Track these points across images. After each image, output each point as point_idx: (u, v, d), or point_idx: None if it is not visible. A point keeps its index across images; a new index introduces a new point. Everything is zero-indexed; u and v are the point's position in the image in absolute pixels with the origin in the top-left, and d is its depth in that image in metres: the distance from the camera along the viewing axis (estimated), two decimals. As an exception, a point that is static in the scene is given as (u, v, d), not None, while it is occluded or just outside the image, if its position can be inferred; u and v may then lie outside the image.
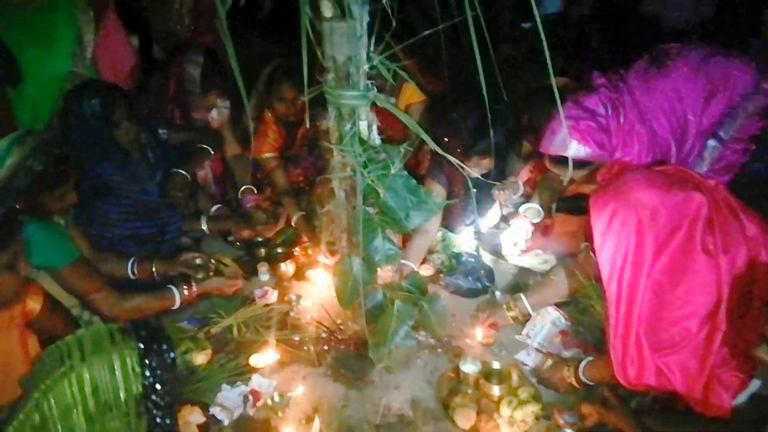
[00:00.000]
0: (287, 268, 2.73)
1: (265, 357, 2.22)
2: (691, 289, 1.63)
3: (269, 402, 2.02)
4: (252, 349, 2.26)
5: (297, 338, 2.33)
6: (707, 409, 1.63)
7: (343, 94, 1.58)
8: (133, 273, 2.29)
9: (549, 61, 1.21)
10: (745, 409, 1.63)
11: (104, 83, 2.43)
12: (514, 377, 2.09)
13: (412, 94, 3.04)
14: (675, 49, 2.20)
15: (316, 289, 2.66)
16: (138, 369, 1.28)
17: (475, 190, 2.50)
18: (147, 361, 1.29)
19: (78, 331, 1.34)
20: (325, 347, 2.30)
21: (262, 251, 2.90)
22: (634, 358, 1.69)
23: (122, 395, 1.26)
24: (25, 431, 1.23)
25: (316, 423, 1.93)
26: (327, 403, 2.05)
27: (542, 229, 2.68)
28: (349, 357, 2.25)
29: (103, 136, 2.26)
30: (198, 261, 2.44)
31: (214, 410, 1.96)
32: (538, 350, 2.24)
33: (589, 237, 1.79)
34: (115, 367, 1.26)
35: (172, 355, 1.35)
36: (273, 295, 2.55)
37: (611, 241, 1.70)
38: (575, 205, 2.36)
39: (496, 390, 2.02)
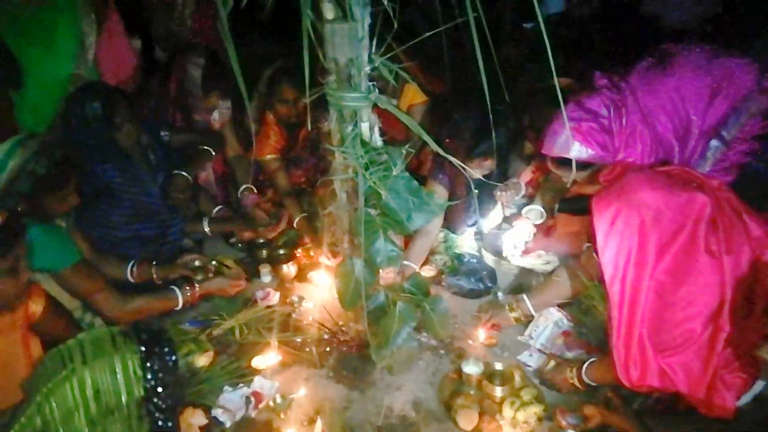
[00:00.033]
0: (289, 269, 2.74)
1: (267, 359, 2.22)
2: (694, 289, 1.63)
3: (271, 404, 2.02)
4: (254, 350, 2.26)
5: (299, 340, 2.33)
6: (711, 410, 1.63)
7: (344, 96, 1.57)
8: (132, 276, 2.29)
9: (552, 62, 1.21)
10: (749, 411, 1.62)
11: (106, 86, 2.43)
12: (517, 378, 2.09)
13: (413, 96, 3.04)
14: (677, 49, 2.19)
15: (317, 290, 2.66)
16: (139, 372, 1.28)
17: (476, 191, 2.50)
18: (148, 364, 1.29)
19: (79, 335, 1.34)
20: (327, 349, 2.30)
21: (264, 253, 2.90)
22: (637, 359, 1.69)
23: (124, 398, 1.27)
24: (27, 434, 1.23)
25: (319, 424, 1.92)
26: (329, 404, 2.05)
27: (545, 230, 2.67)
28: (351, 358, 2.25)
29: (105, 139, 2.27)
30: (197, 263, 2.44)
31: (216, 412, 1.95)
32: (540, 351, 2.24)
33: (591, 238, 1.79)
34: (117, 370, 1.26)
35: (173, 357, 1.35)
36: (275, 297, 2.56)
37: (614, 241, 1.69)
38: (578, 206, 2.36)
39: (498, 391, 2.02)
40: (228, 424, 1.94)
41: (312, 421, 1.96)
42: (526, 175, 2.77)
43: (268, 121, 3.01)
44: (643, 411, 1.85)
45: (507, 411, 1.94)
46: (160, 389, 1.29)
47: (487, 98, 1.49)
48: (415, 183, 1.78)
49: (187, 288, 2.29)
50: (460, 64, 2.61)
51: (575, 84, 2.42)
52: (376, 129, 1.71)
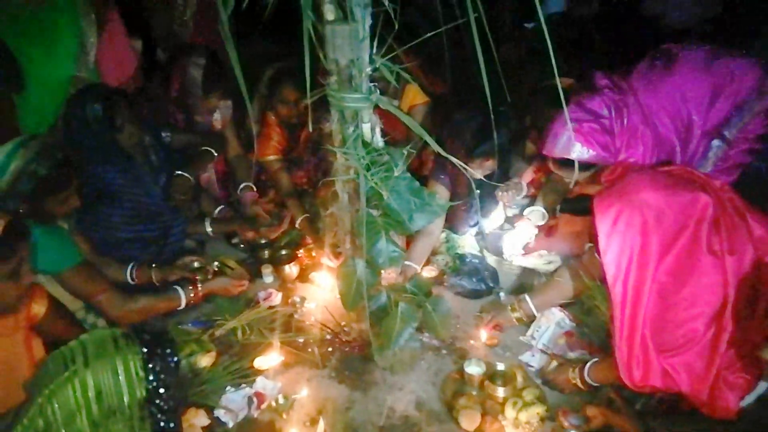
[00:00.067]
0: (291, 270, 2.73)
1: (270, 359, 2.22)
2: (696, 290, 1.62)
3: (273, 404, 2.02)
4: (256, 351, 2.26)
5: (301, 340, 2.33)
6: (713, 410, 1.63)
7: (345, 97, 1.57)
8: (132, 278, 2.30)
9: (554, 62, 1.21)
10: (752, 411, 1.62)
11: (107, 87, 2.43)
12: (519, 379, 2.09)
13: (415, 96, 3.04)
14: (679, 49, 2.19)
15: (320, 291, 2.66)
16: (142, 373, 1.28)
17: (478, 192, 2.50)
18: (150, 365, 1.29)
19: (82, 336, 1.35)
20: (330, 349, 2.30)
21: (266, 253, 2.90)
22: (639, 359, 1.69)
23: (126, 399, 1.27)
24: (29, 436, 1.23)
25: (321, 425, 1.93)
26: (331, 405, 2.04)
27: (546, 230, 2.67)
28: (353, 359, 2.25)
29: (106, 140, 2.27)
30: (196, 264, 2.44)
31: (219, 413, 1.96)
32: (542, 351, 2.23)
33: (593, 238, 1.79)
34: (119, 371, 1.26)
35: (175, 358, 1.35)
36: (277, 298, 2.55)
37: (616, 242, 1.69)
38: (579, 206, 2.35)
39: (500, 391, 2.02)
40: (230, 425, 1.94)
41: (314, 422, 1.96)
42: (528, 175, 2.76)
43: (270, 122, 3.02)
44: (645, 412, 1.85)
45: (509, 411, 1.94)
46: (162, 390, 1.30)
47: (488, 98, 1.48)
48: (417, 183, 1.78)
49: (190, 288, 2.30)
50: (461, 64, 2.61)
51: (576, 84, 2.42)
52: (378, 130, 1.71)
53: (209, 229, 2.75)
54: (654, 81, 2.13)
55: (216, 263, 2.71)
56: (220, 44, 2.85)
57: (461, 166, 1.79)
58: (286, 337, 2.33)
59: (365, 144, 1.67)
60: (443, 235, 2.86)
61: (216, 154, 2.85)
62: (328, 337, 2.35)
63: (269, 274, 2.72)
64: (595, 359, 1.97)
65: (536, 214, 2.66)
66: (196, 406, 1.94)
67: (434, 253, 2.79)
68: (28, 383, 1.34)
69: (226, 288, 2.44)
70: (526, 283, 2.65)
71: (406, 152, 1.72)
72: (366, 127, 1.66)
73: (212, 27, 3.29)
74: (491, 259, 2.79)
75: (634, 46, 2.43)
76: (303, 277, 2.75)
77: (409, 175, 1.76)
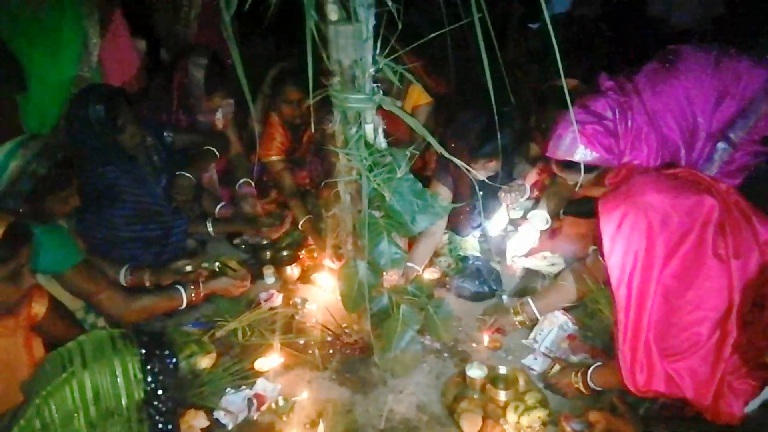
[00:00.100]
0: (293, 271, 2.73)
1: (270, 361, 2.21)
2: (701, 294, 1.61)
3: (274, 406, 2.01)
4: (257, 352, 2.25)
5: (302, 342, 2.32)
6: (717, 416, 1.61)
7: (348, 98, 1.57)
8: (126, 280, 2.29)
9: (560, 63, 1.20)
10: (756, 417, 1.60)
11: (109, 88, 2.43)
12: (521, 382, 2.07)
13: (418, 97, 3.03)
14: (684, 50, 2.18)
15: (321, 292, 2.65)
16: (140, 375, 1.28)
17: (481, 193, 2.49)
18: (149, 367, 1.29)
19: (80, 337, 1.34)
20: (330, 351, 2.29)
21: (268, 254, 2.90)
22: (643, 363, 1.67)
23: (124, 401, 1.26)
24: (26, 437, 1.23)
25: (321, 427, 1.92)
26: (332, 407, 2.03)
27: (550, 232, 2.66)
28: (354, 361, 2.24)
29: (108, 141, 2.27)
30: (188, 268, 2.44)
31: (219, 414, 1.95)
32: (545, 355, 2.22)
33: (597, 240, 1.77)
34: (117, 372, 1.26)
35: (173, 360, 1.35)
36: (278, 299, 2.55)
37: (621, 245, 1.68)
38: (584, 209, 2.34)
39: (502, 395, 2.01)
40: (230, 426, 1.93)
41: (314, 424, 1.95)
42: (532, 176, 2.75)
43: (273, 122, 3.01)
44: (648, 417, 1.83)
45: (511, 415, 1.93)
46: (160, 392, 1.29)
47: (492, 99, 1.47)
48: (420, 185, 1.77)
49: (192, 287, 2.29)
50: (465, 64, 2.60)
51: (581, 86, 2.41)
52: (381, 130, 1.70)
53: (210, 230, 2.75)
54: (659, 82, 2.11)
55: (217, 264, 2.71)
56: (224, 44, 2.86)
57: (464, 167, 1.78)
58: (287, 338, 2.32)
59: (368, 145, 1.66)
60: (446, 236, 2.85)
61: (218, 154, 2.85)
62: (329, 338, 2.34)
63: (270, 275, 2.72)
64: (598, 363, 1.96)
65: (539, 218, 2.65)
66: (195, 407, 1.93)
67: (436, 254, 2.78)
68: (26, 384, 1.33)
69: (228, 289, 2.43)
70: (529, 285, 2.63)
71: (408, 153, 1.71)
72: (369, 128, 1.65)
73: (216, 27, 3.29)
74: (494, 262, 2.77)
75: (639, 46, 2.42)
76: (304, 278, 2.75)
77: (411, 176, 1.75)
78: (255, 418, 1.99)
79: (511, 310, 2.35)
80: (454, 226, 2.85)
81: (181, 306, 2.27)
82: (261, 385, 2.07)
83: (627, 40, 3.29)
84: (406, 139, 2.92)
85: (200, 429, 1.89)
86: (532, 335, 2.31)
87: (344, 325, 2.37)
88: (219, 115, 2.88)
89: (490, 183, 2.33)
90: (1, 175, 1.78)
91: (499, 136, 2.06)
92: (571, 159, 2.06)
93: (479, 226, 2.88)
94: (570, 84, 2.38)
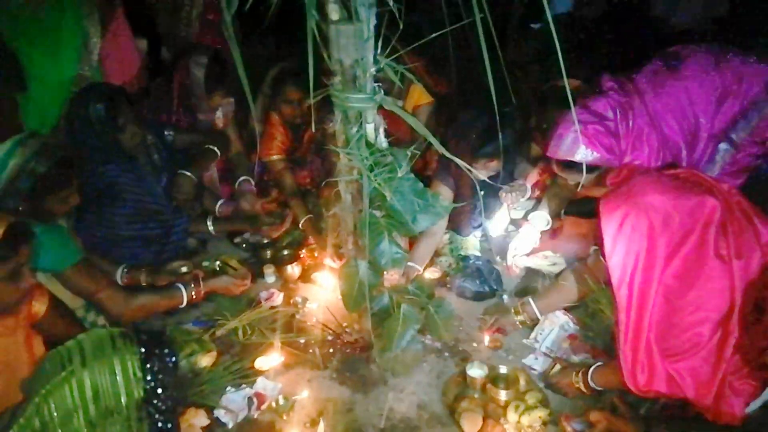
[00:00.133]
0: (293, 270, 2.73)
1: (270, 360, 2.21)
2: (703, 294, 1.61)
3: (274, 405, 2.01)
4: (257, 351, 2.25)
5: (302, 341, 2.32)
6: (718, 416, 1.61)
7: (349, 97, 1.57)
8: (122, 280, 2.29)
9: (562, 63, 1.19)
10: (757, 418, 1.60)
11: (109, 87, 2.43)
12: (522, 382, 2.07)
13: (419, 97, 3.03)
14: (686, 50, 2.17)
15: (322, 291, 2.65)
16: (139, 373, 1.28)
17: (482, 193, 2.48)
18: (148, 366, 1.28)
19: (79, 336, 1.34)
20: (331, 350, 2.29)
21: (268, 253, 2.90)
22: (644, 364, 1.67)
23: (123, 400, 1.26)
24: (25, 436, 1.22)
25: (321, 426, 1.92)
26: (332, 406, 2.03)
27: (551, 232, 2.66)
28: (355, 360, 2.24)
29: (108, 140, 2.27)
30: (184, 269, 2.44)
31: (219, 413, 1.95)
32: (546, 355, 2.22)
33: (599, 240, 1.77)
34: (117, 371, 1.26)
35: (173, 359, 1.35)
36: (278, 298, 2.55)
37: (622, 245, 1.68)
38: (585, 209, 2.34)
39: (503, 395, 2.00)
40: (230, 425, 1.93)
41: (315, 423, 1.95)
42: (533, 176, 2.75)
43: (273, 121, 3.01)
44: (649, 417, 1.83)
45: (511, 415, 1.92)
46: (159, 390, 1.29)
47: (494, 99, 1.47)
48: (421, 184, 1.77)
49: (192, 286, 2.29)
50: (466, 64, 2.60)
51: (583, 86, 2.40)
52: (381, 130, 1.70)
53: (211, 228, 2.75)
54: (660, 83, 2.11)
55: (218, 262, 2.71)
56: (225, 44, 2.85)
57: (465, 167, 1.78)
58: (288, 337, 2.32)
59: (369, 144, 1.66)
60: (447, 236, 2.85)
61: (219, 153, 2.85)
62: (330, 338, 2.34)
63: (271, 274, 2.72)
64: (599, 363, 1.96)
65: (540, 219, 2.65)
66: (195, 406, 1.93)
67: (437, 254, 2.78)
68: (25, 382, 1.33)
69: (228, 287, 2.43)
70: (530, 285, 2.63)
71: (409, 153, 1.71)
72: (370, 128, 1.65)
73: (218, 27, 3.29)
74: (495, 262, 2.77)
75: (640, 46, 2.42)
76: (305, 277, 2.75)
77: (412, 175, 1.75)
78: (255, 416, 1.99)
79: (512, 310, 2.35)
80: (455, 225, 2.85)
81: (182, 304, 2.27)
82: (261, 384, 2.08)
83: (628, 40, 3.28)
84: (407, 139, 2.92)
85: (200, 428, 1.89)
86: (532, 335, 2.31)
87: (345, 324, 2.37)
88: (219, 114, 2.88)
89: (491, 183, 2.33)
90: (0, 173, 1.78)
91: (500, 136, 2.06)
92: (572, 159, 2.06)
93: (480, 225, 2.88)
94: (572, 84, 2.38)
